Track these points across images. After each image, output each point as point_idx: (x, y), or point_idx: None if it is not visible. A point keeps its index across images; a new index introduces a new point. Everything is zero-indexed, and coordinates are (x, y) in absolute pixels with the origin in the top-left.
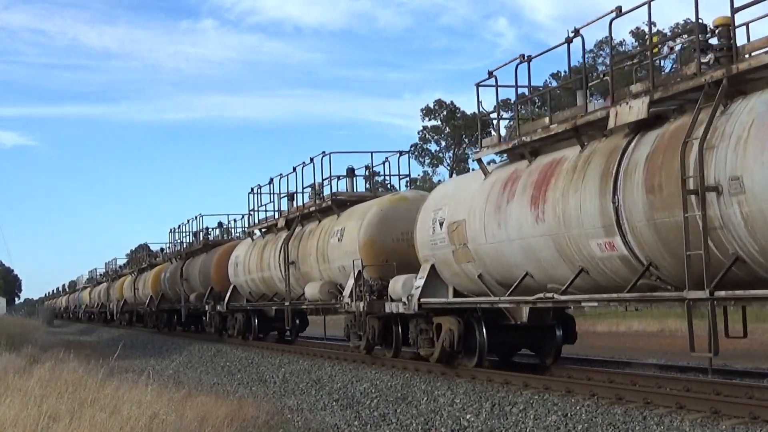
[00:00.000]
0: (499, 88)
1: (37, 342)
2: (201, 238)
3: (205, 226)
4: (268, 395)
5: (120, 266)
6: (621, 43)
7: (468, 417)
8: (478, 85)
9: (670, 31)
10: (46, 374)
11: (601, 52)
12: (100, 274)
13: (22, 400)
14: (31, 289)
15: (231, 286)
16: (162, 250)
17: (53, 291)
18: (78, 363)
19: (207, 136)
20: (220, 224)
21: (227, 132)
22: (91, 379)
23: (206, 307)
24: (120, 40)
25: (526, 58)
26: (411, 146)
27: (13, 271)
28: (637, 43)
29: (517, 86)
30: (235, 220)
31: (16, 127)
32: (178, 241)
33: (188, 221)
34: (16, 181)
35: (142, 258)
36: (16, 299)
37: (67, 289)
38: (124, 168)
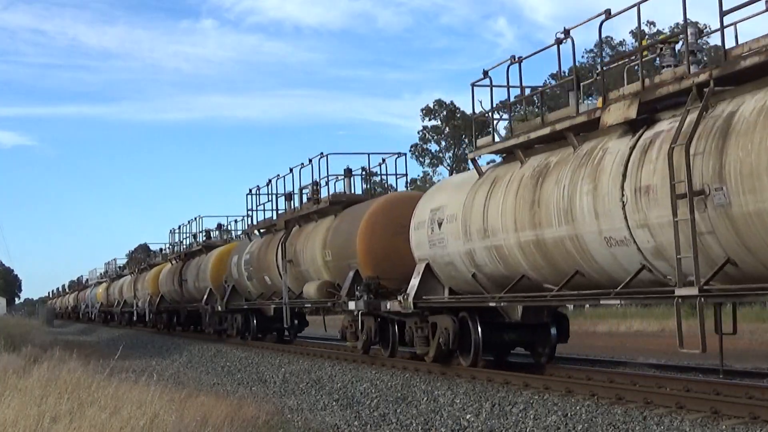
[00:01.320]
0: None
1: (37, 342)
2: (309, 197)
3: (323, 176)
4: (268, 395)
5: (151, 253)
6: (621, 43)
7: (468, 417)
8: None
9: (670, 31)
10: (45, 374)
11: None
12: (120, 266)
13: (22, 400)
14: (31, 289)
15: (423, 265)
16: (221, 226)
17: (56, 290)
18: (78, 363)
19: (207, 136)
20: (348, 171)
21: (227, 132)
22: (91, 379)
23: (350, 305)
24: (120, 40)
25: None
26: (411, 146)
27: (13, 271)
28: (636, 44)
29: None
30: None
31: (16, 127)
32: (261, 207)
33: (291, 171)
34: (16, 181)
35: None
36: (16, 299)
37: (75, 287)
38: (124, 168)
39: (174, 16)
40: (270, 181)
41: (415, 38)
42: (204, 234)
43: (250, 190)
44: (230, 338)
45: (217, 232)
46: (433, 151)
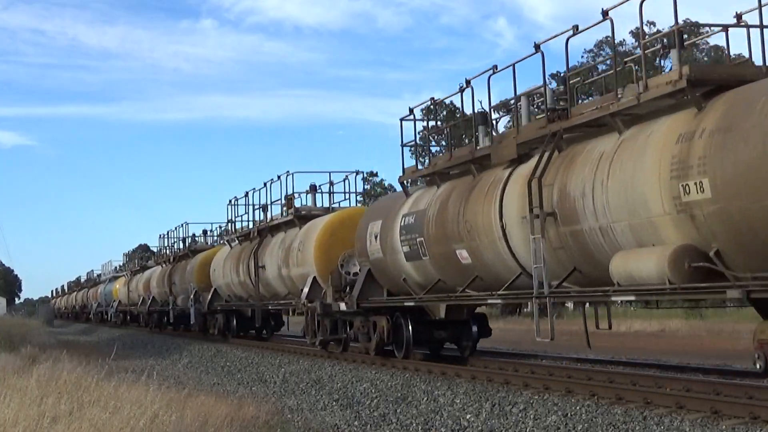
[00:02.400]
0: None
1: (36, 342)
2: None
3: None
4: (268, 395)
5: (200, 234)
6: (621, 43)
7: (468, 417)
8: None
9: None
10: (45, 374)
11: (601, 52)
12: (140, 255)
13: (22, 400)
14: (31, 289)
15: None
16: (315, 187)
17: (59, 289)
18: (78, 363)
19: (207, 136)
20: (679, 38)
21: (227, 132)
22: (91, 379)
23: None
24: (120, 40)
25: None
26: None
27: (13, 271)
28: (636, 43)
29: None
30: None
31: (16, 127)
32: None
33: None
34: (16, 181)
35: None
36: (16, 299)
37: (83, 283)
38: (124, 168)
39: (174, 16)
40: (467, 82)
41: (415, 38)
42: (285, 201)
43: (411, 110)
44: (359, 354)
45: (305, 196)
46: (433, 151)
